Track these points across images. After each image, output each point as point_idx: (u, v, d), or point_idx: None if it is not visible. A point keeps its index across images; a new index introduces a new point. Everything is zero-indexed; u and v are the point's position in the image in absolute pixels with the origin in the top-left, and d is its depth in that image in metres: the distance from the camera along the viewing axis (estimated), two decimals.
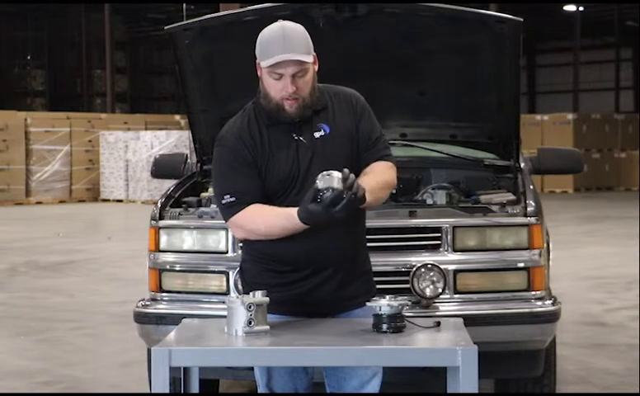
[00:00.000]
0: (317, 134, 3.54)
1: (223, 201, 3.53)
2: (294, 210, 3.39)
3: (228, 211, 3.53)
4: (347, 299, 3.59)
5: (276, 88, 3.46)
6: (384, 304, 3.29)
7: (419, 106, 5.70)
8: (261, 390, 3.64)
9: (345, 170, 3.30)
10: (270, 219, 3.48)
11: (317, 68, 3.53)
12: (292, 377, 3.59)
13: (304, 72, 3.45)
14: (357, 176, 3.43)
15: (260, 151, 3.53)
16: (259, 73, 3.50)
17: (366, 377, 3.55)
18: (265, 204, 3.50)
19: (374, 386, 3.56)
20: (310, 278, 3.55)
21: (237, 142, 3.54)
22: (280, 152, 3.53)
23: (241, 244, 4.60)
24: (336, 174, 3.29)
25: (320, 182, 3.30)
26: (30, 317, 8.90)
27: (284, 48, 3.39)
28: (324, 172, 3.31)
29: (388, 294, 3.44)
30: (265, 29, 3.49)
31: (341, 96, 3.63)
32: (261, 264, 3.61)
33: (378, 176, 3.54)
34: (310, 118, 3.53)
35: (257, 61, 3.48)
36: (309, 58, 3.45)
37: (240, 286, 4.55)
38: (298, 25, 3.50)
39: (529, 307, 4.66)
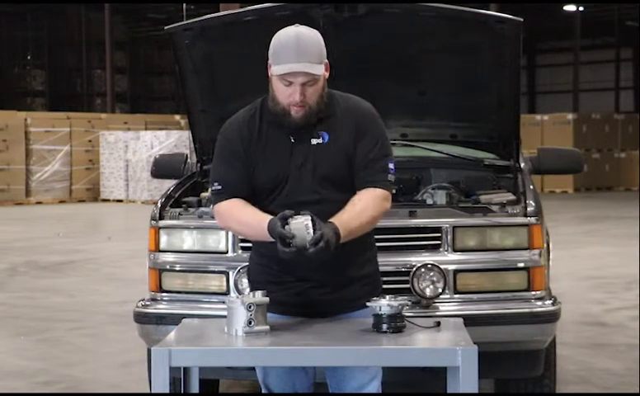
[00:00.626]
0: (314, 141, 3.52)
1: (213, 188, 3.62)
2: (267, 218, 3.40)
3: (215, 198, 3.61)
4: (349, 301, 3.58)
5: (284, 94, 3.45)
6: (384, 304, 3.29)
7: (419, 106, 5.70)
8: (260, 388, 3.64)
9: (319, 235, 3.27)
10: (244, 218, 3.51)
11: (327, 74, 3.51)
12: (290, 375, 3.59)
13: (314, 81, 3.44)
14: (351, 194, 3.45)
15: (254, 146, 3.54)
16: (269, 74, 3.49)
17: (365, 380, 3.53)
18: (252, 200, 3.53)
19: (373, 388, 3.55)
20: (308, 280, 3.55)
21: (234, 134, 3.58)
22: (274, 152, 3.53)
23: (242, 245, 4.65)
24: (309, 236, 3.27)
25: (292, 226, 3.29)
26: (30, 317, 8.90)
27: (297, 57, 3.37)
28: (306, 219, 3.29)
29: (388, 294, 3.44)
30: (281, 32, 3.46)
31: (350, 109, 3.57)
32: (262, 264, 3.63)
33: (361, 210, 3.46)
34: (313, 124, 3.51)
35: (269, 63, 3.47)
36: (320, 69, 3.43)
37: (241, 286, 4.60)
38: (314, 31, 3.47)
39: (529, 307, 4.66)
